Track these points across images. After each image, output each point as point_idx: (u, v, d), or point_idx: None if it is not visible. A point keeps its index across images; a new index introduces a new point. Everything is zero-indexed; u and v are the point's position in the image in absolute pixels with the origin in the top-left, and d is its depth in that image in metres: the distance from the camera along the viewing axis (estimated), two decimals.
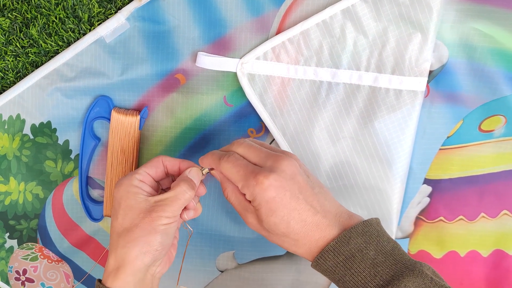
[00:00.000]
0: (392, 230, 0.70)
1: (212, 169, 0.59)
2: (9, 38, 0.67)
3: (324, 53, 0.65)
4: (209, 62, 0.66)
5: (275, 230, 0.54)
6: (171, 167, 0.60)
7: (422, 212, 0.72)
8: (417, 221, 0.72)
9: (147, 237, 0.54)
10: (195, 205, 0.61)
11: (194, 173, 0.59)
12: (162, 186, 0.63)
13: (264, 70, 0.66)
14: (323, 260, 0.53)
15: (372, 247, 0.52)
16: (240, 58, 0.66)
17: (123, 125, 0.68)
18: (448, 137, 0.69)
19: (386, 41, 0.64)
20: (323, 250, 0.53)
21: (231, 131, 0.70)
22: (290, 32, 0.64)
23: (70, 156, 0.72)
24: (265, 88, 0.66)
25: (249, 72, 0.66)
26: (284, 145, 0.68)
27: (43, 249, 0.76)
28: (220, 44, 0.67)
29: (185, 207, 0.59)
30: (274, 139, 0.70)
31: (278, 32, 0.66)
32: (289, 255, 0.74)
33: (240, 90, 0.68)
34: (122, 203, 0.56)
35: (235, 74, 0.67)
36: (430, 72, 0.67)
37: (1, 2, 0.66)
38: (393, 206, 0.68)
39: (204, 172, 0.60)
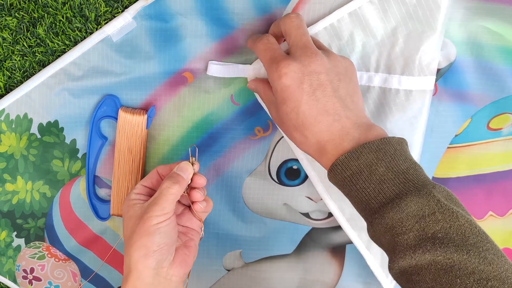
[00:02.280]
0: None
1: (195, 161, 0.61)
2: (16, 38, 0.67)
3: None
4: (219, 70, 0.66)
5: (287, 121, 0.55)
6: (165, 173, 0.62)
7: None
8: None
9: (142, 240, 0.55)
10: (202, 197, 0.61)
11: (181, 167, 0.60)
12: None
13: None
14: (333, 174, 0.53)
15: (383, 164, 0.50)
16: (251, 64, 0.66)
17: (130, 124, 0.68)
18: (456, 136, 0.69)
19: (395, 41, 0.63)
20: (333, 163, 0.52)
21: (238, 130, 0.70)
22: None
23: (77, 155, 0.72)
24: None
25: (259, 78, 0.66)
26: (294, 146, 0.68)
27: (51, 248, 0.76)
28: (228, 42, 0.67)
29: (194, 203, 0.61)
30: (282, 137, 0.70)
31: None
32: (296, 254, 0.74)
33: (247, 88, 0.68)
34: (125, 217, 0.59)
35: None
36: (438, 70, 0.66)
37: (8, 2, 0.66)
38: None
39: (193, 161, 0.61)
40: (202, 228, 0.64)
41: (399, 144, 0.52)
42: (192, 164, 0.61)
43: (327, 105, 0.53)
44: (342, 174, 0.52)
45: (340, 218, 0.69)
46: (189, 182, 0.60)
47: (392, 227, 0.48)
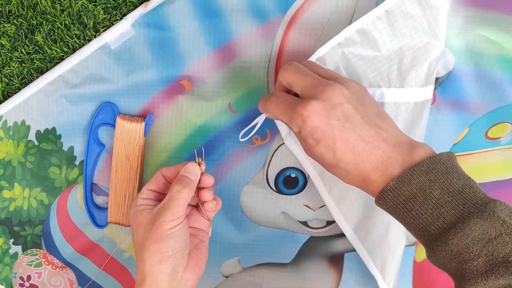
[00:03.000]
0: (402, 240, 0.69)
1: (201, 161, 0.61)
2: (15, 45, 0.67)
3: (341, 74, 0.63)
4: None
5: (323, 160, 0.52)
6: (171, 175, 0.61)
7: None
8: None
9: (155, 245, 0.54)
10: (211, 196, 0.61)
11: (189, 169, 0.59)
12: None
13: None
14: (383, 201, 0.50)
15: (437, 185, 0.47)
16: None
17: (128, 132, 0.68)
18: (454, 144, 0.69)
19: (403, 54, 0.62)
20: (382, 190, 0.50)
21: (236, 138, 0.69)
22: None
23: (75, 163, 0.72)
24: None
25: None
26: (308, 165, 0.68)
27: (48, 255, 0.75)
28: (226, 51, 0.66)
29: (204, 203, 0.61)
30: (280, 145, 0.69)
31: (284, 39, 0.66)
32: (294, 263, 0.74)
33: (245, 96, 0.68)
34: (133, 223, 0.58)
35: (240, 81, 0.67)
36: (436, 79, 0.66)
37: (7, 9, 0.66)
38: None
39: (200, 161, 0.60)
40: (211, 228, 0.64)
41: (449, 160, 0.49)
42: (199, 164, 0.60)
43: (361, 134, 0.50)
44: (394, 200, 0.49)
45: (344, 225, 0.69)
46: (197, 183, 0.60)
47: (458, 254, 0.46)
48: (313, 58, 0.61)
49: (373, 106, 0.53)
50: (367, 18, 0.60)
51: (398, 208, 0.49)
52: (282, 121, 0.55)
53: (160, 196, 0.62)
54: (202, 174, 0.60)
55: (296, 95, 0.56)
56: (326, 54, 0.61)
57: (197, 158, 0.61)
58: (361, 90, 0.54)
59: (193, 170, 0.59)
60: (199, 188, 0.61)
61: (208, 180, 0.61)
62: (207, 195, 0.61)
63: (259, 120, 0.61)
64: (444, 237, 0.46)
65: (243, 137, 0.63)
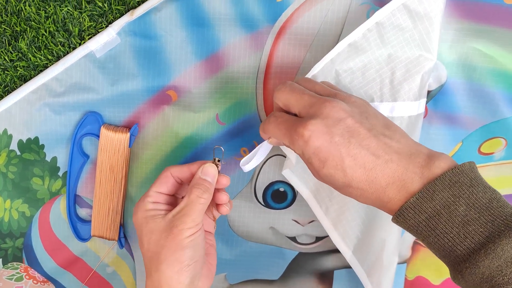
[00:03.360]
0: (395, 257, 0.67)
1: (218, 161, 0.57)
2: None
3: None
4: (253, 161, 0.59)
5: (334, 182, 0.48)
6: (182, 176, 0.58)
7: None
8: (415, 246, 0.70)
9: (175, 255, 0.51)
10: (227, 198, 0.58)
11: (206, 170, 0.56)
12: (181, 195, 0.61)
13: None
14: (403, 219, 0.46)
15: (462, 201, 0.43)
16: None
17: (113, 142, 0.67)
18: None
19: (395, 67, 0.60)
20: (401, 208, 0.46)
21: (224, 151, 0.68)
22: None
23: (58, 174, 0.70)
24: None
25: None
26: (302, 188, 0.66)
27: (29, 269, 0.74)
28: (213, 61, 0.65)
29: (219, 204, 0.58)
30: (271, 156, 0.68)
31: (273, 49, 0.65)
32: (282, 280, 0.72)
33: (232, 108, 0.66)
34: (143, 229, 0.54)
35: (227, 92, 0.66)
36: (428, 92, 0.65)
37: None
38: (392, 229, 0.66)
39: (217, 162, 0.57)
40: (215, 228, 0.62)
41: (472, 171, 0.45)
42: (216, 165, 0.57)
43: (370, 148, 0.47)
44: (415, 218, 0.45)
45: (335, 236, 0.66)
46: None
47: (490, 277, 0.42)
48: (308, 76, 0.60)
49: (379, 118, 0.50)
50: (359, 31, 0.59)
51: (420, 227, 0.45)
52: (284, 144, 0.52)
53: (170, 199, 0.58)
54: (218, 174, 0.57)
55: (295, 115, 0.54)
56: (319, 72, 0.60)
57: (214, 158, 0.57)
58: (363, 104, 0.51)
59: (211, 172, 0.56)
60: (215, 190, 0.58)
61: (225, 181, 0.57)
62: (224, 197, 0.58)
63: (262, 147, 0.58)
64: (474, 258, 0.43)
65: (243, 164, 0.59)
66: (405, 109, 0.61)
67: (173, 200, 0.59)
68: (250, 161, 0.58)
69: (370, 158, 0.47)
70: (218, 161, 0.57)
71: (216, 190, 0.58)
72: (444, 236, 0.44)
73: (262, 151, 0.58)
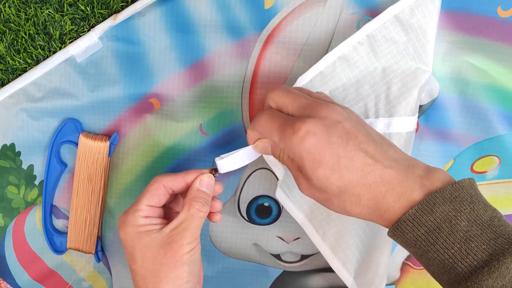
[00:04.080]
0: (384, 276, 0.64)
1: (215, 171, 0.54)
2: None
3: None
4: (231, 164, 0.54)
5: (329, 186, 0.45)
6: (175, 187, 0.54)
7: (409, 258, 0.67)
8: (404, 267, 0.68)
9: (174, 272, 0.49)
10: (221, 206, 0.56)
11: (205, 182, 0.53)
12: (174, 208, 0.58)
13: None
14: (400, 232, 0.44)
15: (464, 216, 0.42)
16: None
17: (91, 151, 0.64)
18: None
19: (390, 81, 0.58)
20: (399, 219, 0.43)
21: (207, 161, 0.65)
22: None
23: (34, 182, 0.68)
24: None
25: None
26: (296, 213, 0.63)
27: (1, 281, 0.71)
28: (198, 68, 0.63)
29: (211, 213, 0.56)
30: (256, 169, 0.65)
31: (260, 58, 0.63)
32: None
33: (217, 118, 0.64)
34: (136, 245, 0.51)
35: (212, 101, 0.64)
36: (420, 106, 0.63)
37: None
38: (385, 247, 0.63)
39: (213, 172, 0.54)
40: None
41: (472, 188, 0.44)
42: (213, 175, 0.54)
43: (369, 151, 0.45)
44: (414, 232, 0.43)
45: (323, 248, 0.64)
46: None
47: None
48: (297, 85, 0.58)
49: (374, 131, 0.49)
50: (349, 43, 0.57)
51: (419, 241, 0.43)
52: (271, 140, 0.48)
53: (162, 212, 0.55)
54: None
55: None
56: (307, 83, 0.58)
57: (212, 169, 0.54)
58: (359, 116, 0.50)
59: (209, 182, 0.54)
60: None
61: (218, 189, 0.55)
62: (217, 204, 0.55)
63: (244, 150, 0.53)
64: (476, 277, 0.41)
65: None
66: (402, 125, 0.59)
67: (165, 211, 0.56)
68: (227, 160, 0.53)
69: (368, 161, 0.45)
70: (215, 171, 0.54)
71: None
72: (444, 252, 0.42)
73: (242, 154, 0.53)
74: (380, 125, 0.59)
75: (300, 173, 0.47)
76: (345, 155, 0.44)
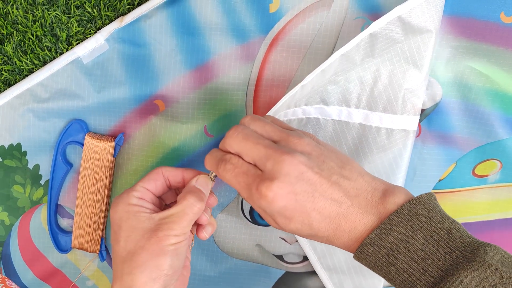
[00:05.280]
0: (381, 278, 0.65)
1: (213, 177, 0.54)
2: None
3: (314, 92, 0.61)
4: None
5: (300, 234, 0.48)
6: (173, 179, 0.54)
7: None
8: None
9: (155, 260, 0.48)
10: (209, 219, 0.55)
11: (202, 182, 0.53)
12: (165, 201, 0.58)
13: None
14: (363, 255, 0.46)
15: (420, 234, 0.43)
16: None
17: (97, 151, 0.65)
18: (439, 181, 0.66)
19: (378, 77, 0.60)
20: (361, 244, 0.45)
21: None
22: (290, 93, 0.59)
23: (40, 182, 0.68)
24: None
25: None
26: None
27: (6, 280, 0.71)
28: (203, 71, 0.64)
29: (200, 225, 0.54)
30: None
31: (264, 61, 0.63)
32: None
33: (221, 120, 0.65)
34: (123, 225, 0.50)
35: (217, 103, 0.65)
36: (423, 110, 0.63)
37: None
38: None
39: (212, 177, 0.54)
40: (193, 243, 0.58)
41: (430, 202, 0.45)
42: (212, 180, 0.54)
43: (333, 197, 0.46)
44: (375, 255, 0.45)
45: (312, 256, 0.66)
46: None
47: None
48: (297, 87, 0.58)
49: (333, 157, 0.49)
50: (353, 42, 0.57)
51: (380, 263, 0.45)
52: (237, 190, 0.50)
53: (156, 200, 0.54)
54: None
55: None
56: (308, 83, 0.58)
57: (212, 173, 0.54)
58: (317, 145, 0.49)
59: (207, 185, 0.53)
60: None
61: (212, 201, 0.55)
62: (203, 218, 0.54)
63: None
64: None
65: None
66: (380, 120, 0.61)
67: (158, 202, 0.55)
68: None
69: (333, 207, 0.46)
70: (215, 176, 0.54)
71: None
72: (404, 272, 0.44)
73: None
74: (357, 116, 0.61)
75: (272, 220, 0.48)
76: (313, 208, 0.46)
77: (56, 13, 0.62)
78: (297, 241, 0.67)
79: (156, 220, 0.50)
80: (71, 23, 0.63)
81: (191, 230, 0.56)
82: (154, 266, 0.48)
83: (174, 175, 0.54)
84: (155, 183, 0.53)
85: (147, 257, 0.48)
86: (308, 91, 0.60)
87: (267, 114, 0.58)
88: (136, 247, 0.49)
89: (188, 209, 0.50)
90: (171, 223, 0.49)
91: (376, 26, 0.56)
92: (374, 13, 0.61)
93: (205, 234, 0.55)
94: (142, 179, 0.53)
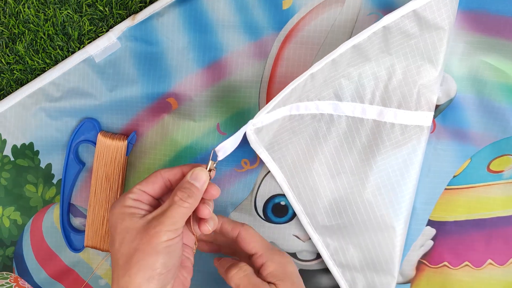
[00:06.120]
0: (394, 275, 0.65)
1: (214, 163, 0.53)
2: None
3: (327, 86, 0.61)
4: (228, 147, 0.56)
5: None
6: (173, 178, 0.54)
7: (425, 256, 0.67)
8: (420, 265, 0.68)
9: (147, 260, 0.47)
10: (211, 212, 0.53)
11: (196, 175, 0.51)
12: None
13: (269, 119, 0.60)
14: None
15: None
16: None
17: (109, 150, 0.65)
18: (454, 177, 0.65)
19: (393, 73, 0.60)
20: None
21: (224, 162, 0.66)
22: (299, 80, 0.57)
23: (52, 181, 0.68)
24: (262, 127, 0.61)
25: (257, 127, 0.60)
26: (280, 178, 0.64)
27: (19, 279, 0.71)
28: (215, 69, 0.64)
29: (202, 219, 0.53)
30: (269, 171, 0.66)
31: (277, 57, 0.63)
32: None
33: (234, 117, 0.65)
34: (118, 227, 0.50)
35: (230, 100, 0.65)
36: (437, 106, 0.63)
37: None
38: (396, 248, 0.64)
39: (212, 167, 0.52)
40: (196, 245, 0.57)
41: None
42: (209, 170, 0.53)
43: None
44: None
45: (324, 253, 0.66)
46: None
47: None
48: (306, 75, 0.57)
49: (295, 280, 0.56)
50: (365, 34, 0.56)
51: None
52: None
53: (154, 202, 0.54)
54: (208, 183, 0.53)
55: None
56: (318, 70, 0.57)
57: (210, 163, 0.53)
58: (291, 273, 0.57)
59: (201, 177, 0.51)
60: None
61: (213, 191, 0.53)
62: (205, 211, 0.53)
63: (238, 134, 0.55)
64: None
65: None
66: (394, 116, 0.61)
67: (157, 204, 0.54)
68: (222, 144, 0.54)
69: None
70: (215, 167, 0.53)
71: (201, 201, 0.53)
72: None
73: (237, 135, 0.55)
74: (372, 112, 0.61)
75: None
76: None
77: (67, 12, 0.62)
78: (310, 238, 0.67)
79: (149, 219, 0.49)
80: (82, 21, 0.62)
81: (192, 232, 0.55)
82: (147, 266, 0.47)
83: (173, 174, 0.54)
84: (152, 185, 0.53)
85: (140, 257, 0.47)
86: (320, 84, 0.60)
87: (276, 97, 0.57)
88: (130, 249, 0.48)
89: (178, 203, 0.49)
90: (161, 218, 0.48)
91: (389, 19, 0.56)
92: (388, 9, 0.61)
93: (208, 227, 0.53)
94: (139, 182, 0.53)
